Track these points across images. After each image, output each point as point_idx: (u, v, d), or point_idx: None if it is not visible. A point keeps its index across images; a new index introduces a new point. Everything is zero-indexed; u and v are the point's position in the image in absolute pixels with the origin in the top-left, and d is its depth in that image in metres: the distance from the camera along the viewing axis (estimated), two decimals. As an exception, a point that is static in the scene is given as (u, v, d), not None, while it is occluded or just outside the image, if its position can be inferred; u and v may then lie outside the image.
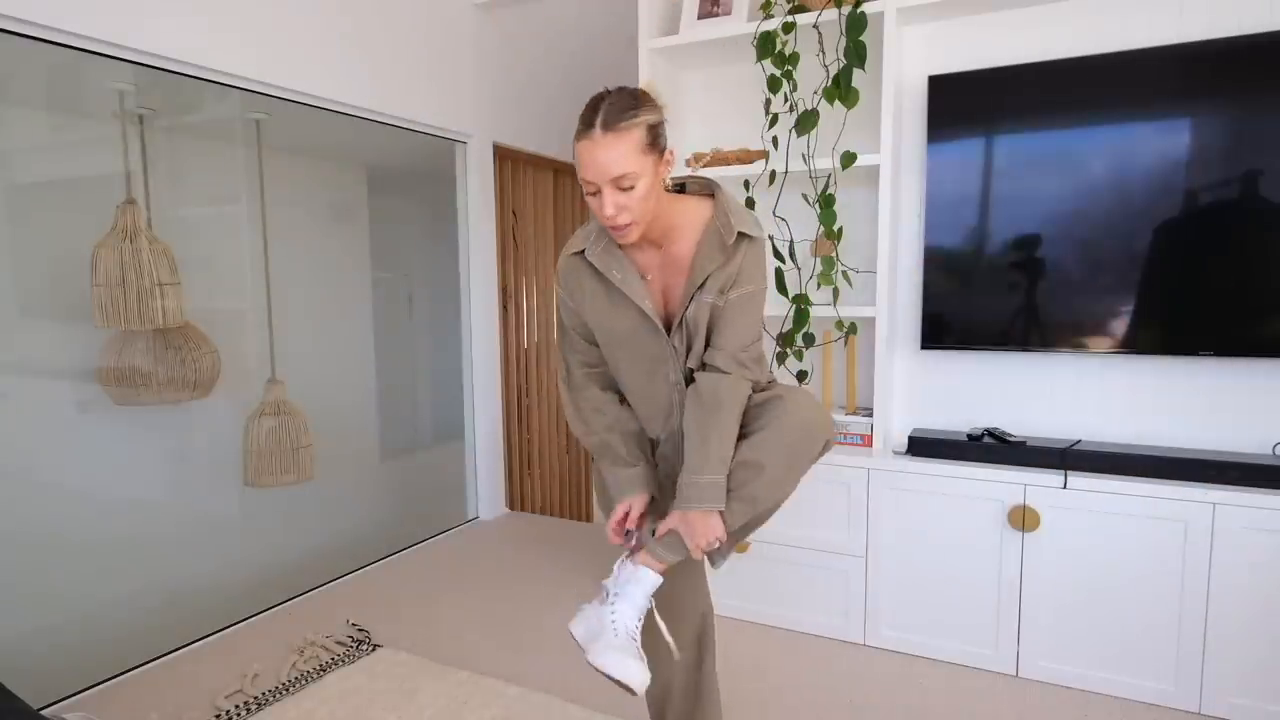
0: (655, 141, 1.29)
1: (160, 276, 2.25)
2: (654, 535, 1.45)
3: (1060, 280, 2.19)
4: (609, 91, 1.30)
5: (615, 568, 1.50)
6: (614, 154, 1.25)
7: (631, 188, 1.27)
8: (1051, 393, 2.33)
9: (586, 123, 1.27)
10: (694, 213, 1.41)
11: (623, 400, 1.56)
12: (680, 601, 1.59)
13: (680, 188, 1.47)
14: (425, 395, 3.78)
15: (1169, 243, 2.06)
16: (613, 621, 1.41)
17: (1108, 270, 2.13)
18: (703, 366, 1.43)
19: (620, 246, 1.41)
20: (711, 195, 1.43)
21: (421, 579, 2.93)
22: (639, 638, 1.42)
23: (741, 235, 1.37)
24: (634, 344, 1.45)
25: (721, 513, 1.37)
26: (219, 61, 2.34)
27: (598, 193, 1.29)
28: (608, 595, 1.46)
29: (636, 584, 1.43)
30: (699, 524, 1.36)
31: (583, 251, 1.44)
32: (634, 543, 1.48)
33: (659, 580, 1.44)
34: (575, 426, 1.57)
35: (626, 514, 1.48)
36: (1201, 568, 1.95)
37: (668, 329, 1.43)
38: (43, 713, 1.99)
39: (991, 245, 2.26)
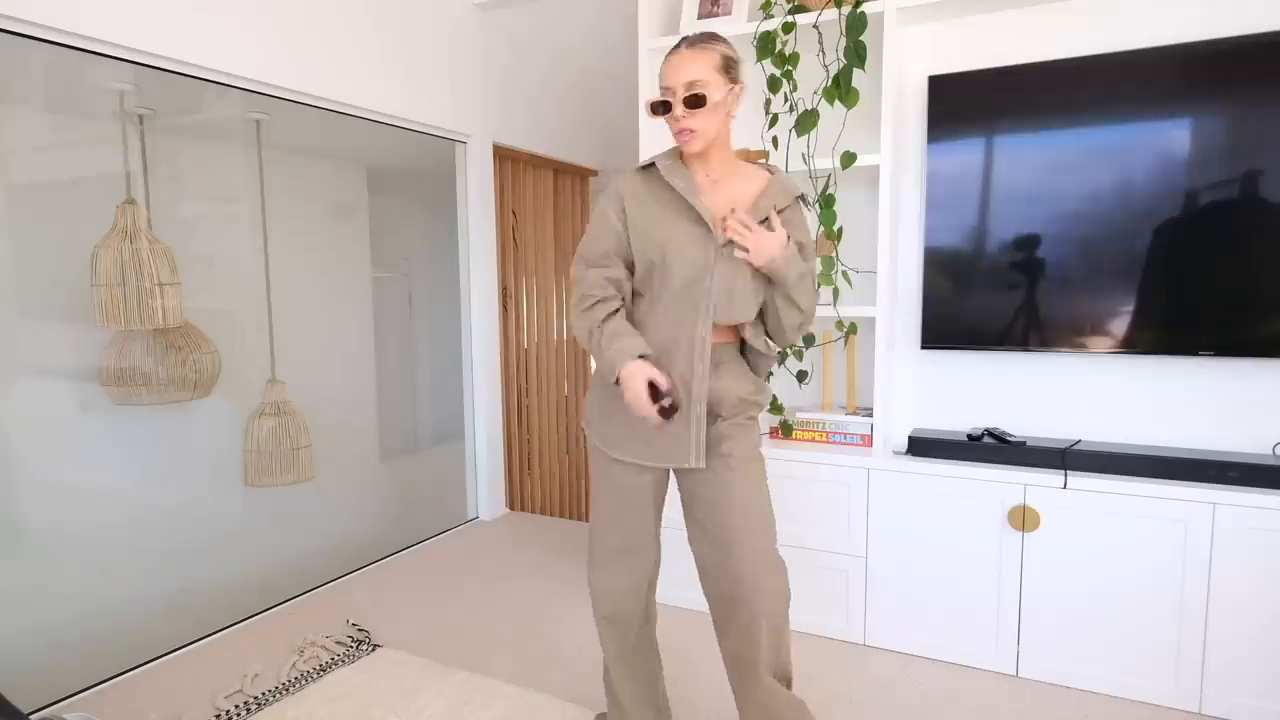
0: (728, 70, 1.48)
1: (160, 276, 2.25)
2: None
3: (1060, 280, 2.19)
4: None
5: None
6: (693, 65, 1.46)
7: (702, 96, 1.44)
8: (1051, 393, 2.33)
9: (674, 48, 1.50)
10: (753, 172, 1.60)
11: None
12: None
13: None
14: (425, 395, 3.77)
15: (1169, 243, 2.06)
16: None
17: (1108, 270, 2.13)
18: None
19: (686, 166, 1.56)
20: (770, 171, 1.61)
21: (421, 579, 2.93)
22: None
23: (801, 198, 1.60)
24: (678, 262, 1.51)
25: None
26: (219, 61, 2.34)
27: (664, 109, 1.48)
28: None
29: None
30: (763, 237, 1.50)
31: (651, 164, 1.58)
32: (669, 403, 1.43)
33: None
34: (581, 329, 1.57)
35: (651, 382, 1.45)
36: (1201, 568, 1.95)
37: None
38: (43, 713, 1.99)
39: (991, 245, 2.26)
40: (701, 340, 1.52)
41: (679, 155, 1.58)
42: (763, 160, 1.58)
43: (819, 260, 2.45)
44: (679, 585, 2.63)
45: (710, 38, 1.50)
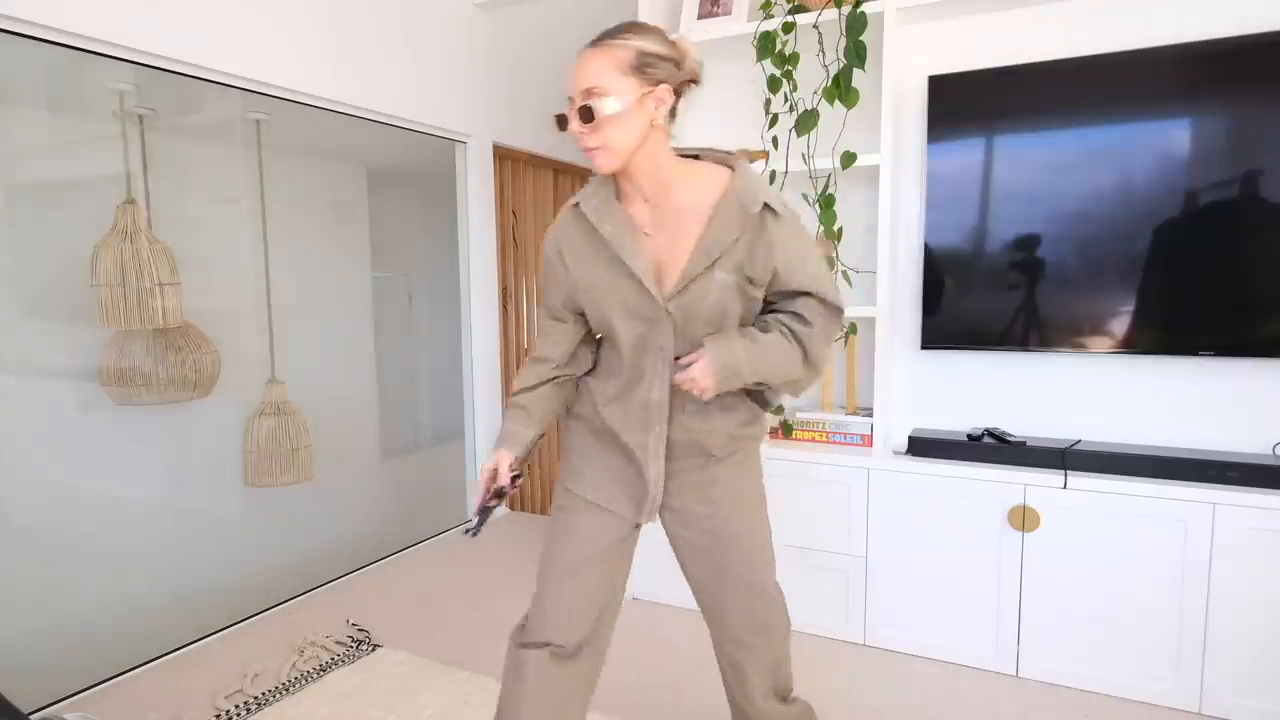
0: (643, 68, 1.22)
1: (160, 276, 2.25)
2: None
3: (1060, 280, 2.19)
4: None
5: None
6: (591, 66, 1.21)
7: (590, 108, 1.20)
8: (1051, 393, 2.33)
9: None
10: (706, 175, 1.31)
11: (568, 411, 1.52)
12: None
13: (694, 158, 1.37)
14: (425, 395, 3.77)
15: (1169, 242, 2.06)
16: None
17: (1108, 270, 2.13)
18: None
19: (618, 200, 1.34)
20: (730, 167, 1.33)
21: (421, 579, 2.93)
22: None
23: (767, 208, 1.27)
24: (621, 325, 1.34)
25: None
26: (219, 61, 2.34)
27: (562, 124, 1.26)
28: None
29: None
30: (713, 366, 1.27)
31: (578, 204, 1.36)
32: (479, 521, 1.38)
33: None
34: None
35: (496, 470, 1.39)
36: (1201, 568, 1.95)
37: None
38: (43, 713, 1.99)
39: (991, 245, 2.26)
40: (656, 403, 1.36)
41: (613, 182, 1.34)
42: (725, 154, 1.35)
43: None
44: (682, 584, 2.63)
45: (626, 29, 1.23)
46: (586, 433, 1.49)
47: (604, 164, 1.25)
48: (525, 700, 1.41)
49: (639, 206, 1.34)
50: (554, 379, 1.48)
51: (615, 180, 1.34)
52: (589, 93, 1.21)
